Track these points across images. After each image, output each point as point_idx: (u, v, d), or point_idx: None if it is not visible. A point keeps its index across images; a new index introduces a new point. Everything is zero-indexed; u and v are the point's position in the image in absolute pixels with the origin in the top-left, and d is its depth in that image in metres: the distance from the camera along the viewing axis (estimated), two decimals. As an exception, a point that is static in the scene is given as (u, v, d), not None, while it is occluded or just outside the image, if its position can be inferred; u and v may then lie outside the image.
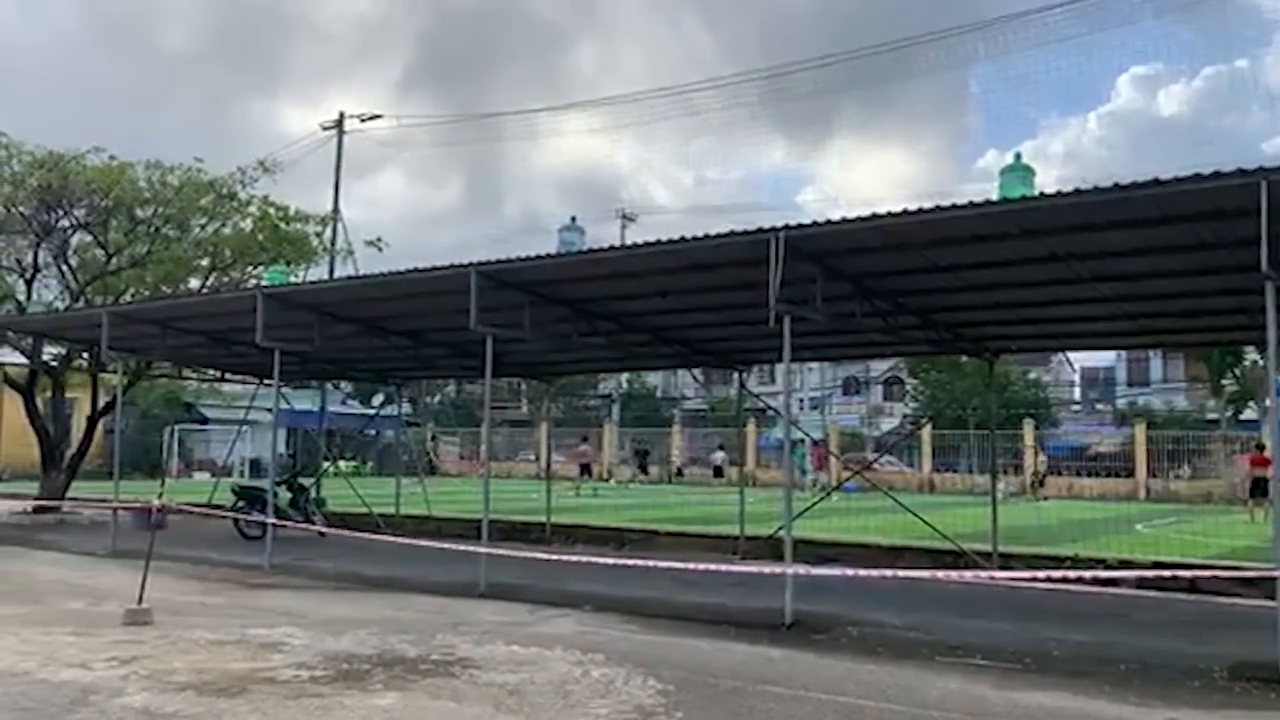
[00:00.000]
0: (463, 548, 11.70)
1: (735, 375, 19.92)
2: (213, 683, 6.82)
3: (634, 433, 50.40)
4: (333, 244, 27.75)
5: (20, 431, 21.67)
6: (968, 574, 10.75)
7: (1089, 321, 13.17)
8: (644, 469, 41.72)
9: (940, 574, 10.84)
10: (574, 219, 53.48)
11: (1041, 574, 9.13)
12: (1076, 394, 59.31)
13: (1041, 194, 8.47)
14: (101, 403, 22.97)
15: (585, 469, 35.95)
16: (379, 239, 26.52)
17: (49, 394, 23.10)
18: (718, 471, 41.01)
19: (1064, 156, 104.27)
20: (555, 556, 11.85)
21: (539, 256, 11.25)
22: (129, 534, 15.34)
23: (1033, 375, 49.52)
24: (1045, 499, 32.78)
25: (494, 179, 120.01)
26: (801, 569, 9.48)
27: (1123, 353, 53.07)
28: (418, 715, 6.10)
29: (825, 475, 29.05)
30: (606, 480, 41.91)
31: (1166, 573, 11.21)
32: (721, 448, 43.01)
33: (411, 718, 6.04)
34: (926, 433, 42.15)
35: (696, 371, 54.70)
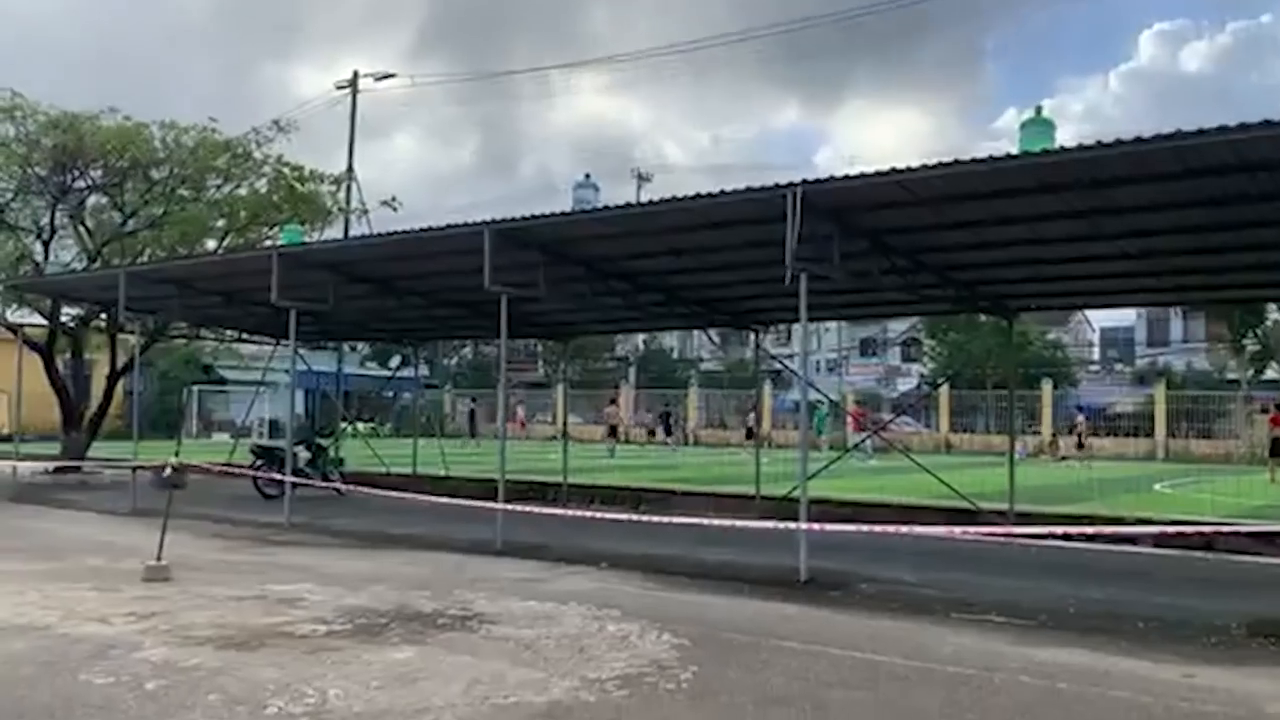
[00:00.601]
0: (480, 504, 11.75)
1: (751, 336, 19.87)
2: (231, 637, 6.88)
3: (655, 395, 50.25)
4: (347, 204, 27.73)
5: (41, 392, 21.84)
6: (983, 530, 10.72)
7: (1109, 279, 13.05)
8: (668, 431, 41.46)
9: (956, 530, 10.82)
10: (588, 175, 53.06)
11: (1059, 530, 9.10)
12: (1096, 354, 59.01)
13: (1061, 147, 8.35)
14: (120, 363, 23.11)
15: (614, 430, 35.81)
16: (394, 199, 26.50)
17: (68, 355, 23.26)
18: (749, 434, 39.86)
19: (1083, 115, 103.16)
20: (572, 512, 11.88)
21: (553, 214, 11.22)
22: (149, 493, 15.46)
23: (1051, 335, 49.18)
24: (1064, 459, 32.67)
25: (508, 139, 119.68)
26: (815, 525, 9.47)
27: (1142, 312, 52.73)
28: (434, 669, 6.13)
29: (869, 444, 28.16)
30: (626, 442, 41.90)
31: (1187, 529, 11.14)
32: (754, 409, 42.40)
33: (428, 671, 6.07)
34: (944, 393, 42.03)
35: (713, 333, 54.65)
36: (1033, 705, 5.54)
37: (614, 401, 40.38)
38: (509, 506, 11.47)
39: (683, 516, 12.34)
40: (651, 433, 42.51)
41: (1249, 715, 5.47)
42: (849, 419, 34.82)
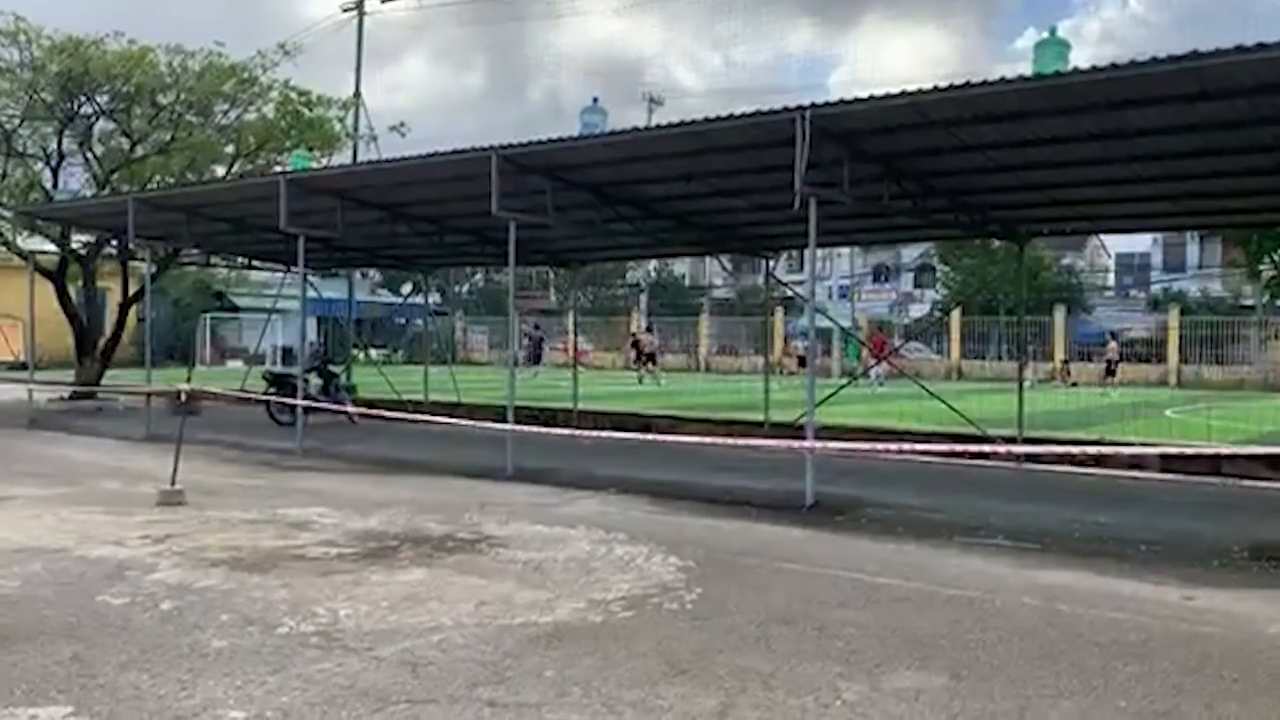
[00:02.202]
0: (491, 425, 11.82)
1: (763, 263, 19.75)
2: (244, 559, 7.00)
3: (650, 322, 49.98)
4: (355, 129, 27.49)
5: (54, 320, 21.95)
6: (986, 447, 10.78)
7: (1123, 203, 12.89)
8: (649, 360, 40.62)
9: (958, 446, 10.88)
10: (595, 100, 52.05)
11: (1059, 449, 9.13)
12: (1111, 279, 58.50)
13: (1076, 69, 8.20)
14: (132, 291, 23.17)
15: (650, 358, 35.13)
16: (401, 124, 26.19)
17: (81, 283, 23.32)
18: (802, 361, 38.45)
19: (1100, 36, 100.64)
20: (581, 432, 11.94)
21: (559, 139, 11.09)
22: (163, 419, 15.62)
23: (1067, 261, 48.75)
24: (1074, 385, 32.62)
25: (518, 63, 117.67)
26: (818, 444, 9.52)
27: (1159, 237, 52.12)
28: (443, 590, 6.24)
29: (877, 370, 28.08)
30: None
31: (1188, 449, 11.16)
32: (804, 334, 41.68)
33: (437, 592, 6.18)
34: (956, 319, 41.87)
35: (725, 259, 54.36)
36: (1033, 627, 5.61)
37: (649, 329, 39.67)
38: (519, 428, 11.54)
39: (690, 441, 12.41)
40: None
41: (1247, 636, 5.53)
42: (869, 345, 34.65)
